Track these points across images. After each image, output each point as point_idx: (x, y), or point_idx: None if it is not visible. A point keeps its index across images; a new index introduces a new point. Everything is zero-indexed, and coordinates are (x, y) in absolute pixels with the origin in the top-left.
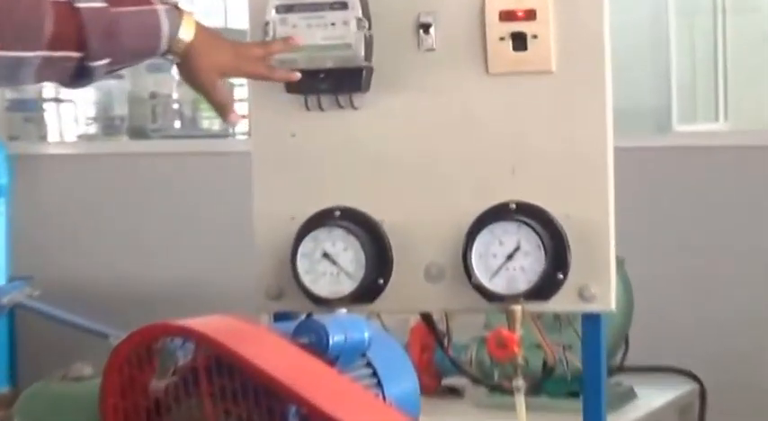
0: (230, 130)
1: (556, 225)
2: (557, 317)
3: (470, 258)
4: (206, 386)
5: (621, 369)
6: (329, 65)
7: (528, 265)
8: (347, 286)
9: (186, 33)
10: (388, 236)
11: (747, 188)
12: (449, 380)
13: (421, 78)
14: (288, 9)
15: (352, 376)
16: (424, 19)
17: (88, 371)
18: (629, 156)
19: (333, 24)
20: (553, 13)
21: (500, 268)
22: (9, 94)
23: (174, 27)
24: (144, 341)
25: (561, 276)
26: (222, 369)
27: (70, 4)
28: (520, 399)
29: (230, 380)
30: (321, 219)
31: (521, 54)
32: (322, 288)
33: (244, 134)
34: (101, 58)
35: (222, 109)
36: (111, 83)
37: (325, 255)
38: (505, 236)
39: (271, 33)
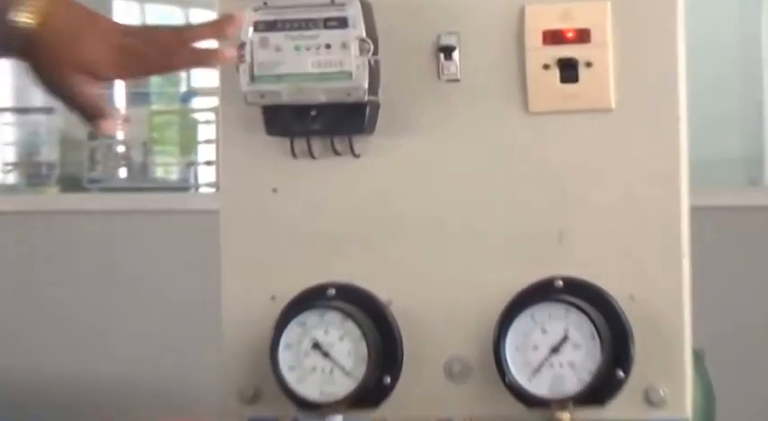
0: (192, 182)
1: (615, 308)
2: None
3: (504, 351)
4: None
5: None
6: (323, 99)
7: (579, 360)
8: (344, 386)
9: (26, 13)
10: (397, 321)
11: None
12: None
13: (441, 117)
14: (269, 26)
15: None
16: (445, 40)
17: None
18: (710, 217)
19: (328, 47)
20: (613, 34)
21: (542, 364)
22: None
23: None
24: None
25: (622, 374)
26: None
27: None
28: None
29: None
30: (310, 300)
31: (570, 86)
32: (311, 389)
33: (210, 187)
34: None
35: (90, 113)
36: (37, 118)
37: (316, 346)
38: (550, 322)
39: (248, 58)
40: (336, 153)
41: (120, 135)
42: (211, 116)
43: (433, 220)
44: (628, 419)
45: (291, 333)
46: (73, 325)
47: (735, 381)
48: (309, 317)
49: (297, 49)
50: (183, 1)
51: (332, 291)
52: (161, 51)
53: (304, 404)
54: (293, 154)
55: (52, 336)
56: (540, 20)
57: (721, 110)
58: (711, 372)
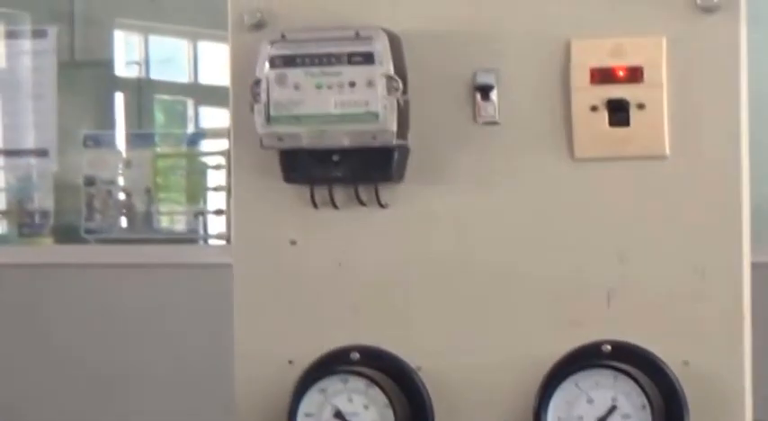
0: (200, 233)
1: (668, 375)
2: None
3: None
4: None
5: None
6: (346, 143)
7: None
8: None
9: None
10: (426, 388)
11: None
12: None
13: (477, 164)
14: (288, 62)
15: None
16: (482, 79)
17: None
18: None
19: (352, 85)
20: (668, 73)
21: None
22: None
23: None
24: None
25: None
26: None
27: None
28: None
29: None
30: (332, 364)
31: (621, 130)
32: None
33: (220, 239)
34: None
35: None
36: (29, 162)
37: (338, 415)
38: (596, 390)
39: (263, 96)
40: (361, 203)
41: (120, 180)
42: (222, 160)
43: (467, 278)
44: None
45: (311, 400)
46: (70, 387)
47: None
48: (331, 384)
49: (318, 86)
50: (190, 33)
51: (355, 355)
52: None
53: None
54: (313, 203)
55: (47, 400)
56: (588, 56)
57: None
58: None
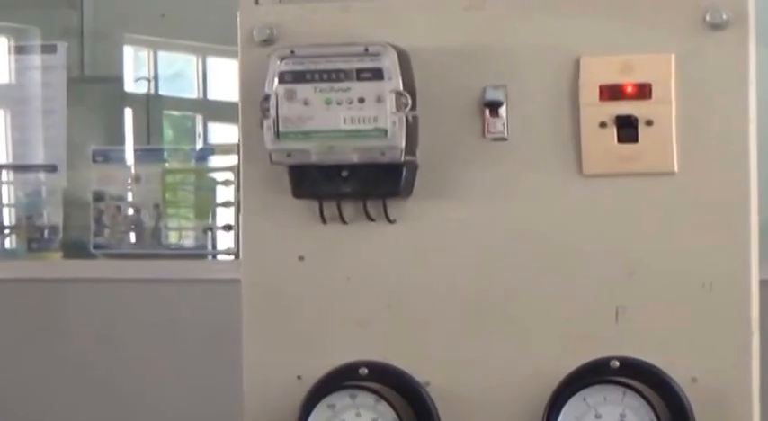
0: (209, 248)
1: (676, 392)
2: None
3: None
4: None
5: None
6: (355, 159)
7: None
8: None
9: None
10: (435, 404)
11: None
12: None
13: (485, 180)
14: (297, 77)
15: None
16: (491, 95)
17: None
18: None
19: (361, 101)
20: (677, 90)
21: None
22: None
23: None
24: None
25: None
26: None
27: None
28: None
29: None
30: (340, 380)
31: (630, 147)
32: None
33: (229, 254)
34: None
35: None
36: (38, 177)
37: None
38: (604, 406)
39: (272, 112)
40: (369, 218)
41: (129, 196)
42: (231, 176)
43: (475, 293)
44: None
45: (319, 416)
46: (79, 401)
47: None
48: (339, 399)
49: (327, 102)
50: (200, 49)
51: (364, 371)
52: None
53: None
54: (322, 219)
55: (50, 410)
56: (597, 73)
57: None
58: None
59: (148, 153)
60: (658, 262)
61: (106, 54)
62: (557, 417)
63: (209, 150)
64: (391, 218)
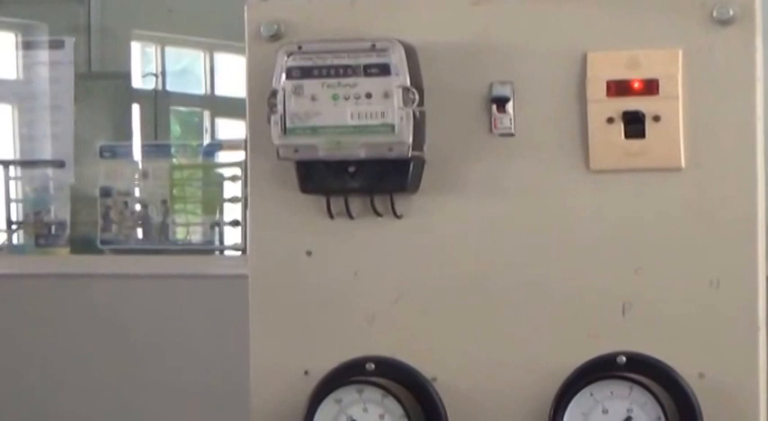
0: (216, 244)
1: (683, 387)
2: None
3: None
4: None
5: None
6: (362, 154)
7: None
8: None
9: None
10: (442, 399)
11: None
12: None
13: (493, 175)
14: (304, 73)
15: None
16: (498, 91)
17: None
18: None
19: (369, 96)
20: (684, 85)
21: None
22: None
23: None
24: None
25: None
26: None
27: None
28: None
29: None
30: (347, 375)
31: (637, 143)
32: None
33: (236, 249)
34: None
35: None
36: (45, 173)
37: None
38: (611, 401)
39: (280, 107)
40: (377, 213)
41: (136, 192)
42: (238, 171)
43: (482, 288)
44: None
45: (326, 410)
46: (89, 398)
47: None
48: (346, 394)
49: (334, 98)
50: (207, 45)
51: (371, 366)
52: None
53: None
54: (329, 214)
55: (57, 405)
56: (604, 68)
57: None
58: None
59: (156, 149)
60: (665, 257)
61: (114, 50)
62: (564, 412)
63: (217, 146)
64: (398, 213)
